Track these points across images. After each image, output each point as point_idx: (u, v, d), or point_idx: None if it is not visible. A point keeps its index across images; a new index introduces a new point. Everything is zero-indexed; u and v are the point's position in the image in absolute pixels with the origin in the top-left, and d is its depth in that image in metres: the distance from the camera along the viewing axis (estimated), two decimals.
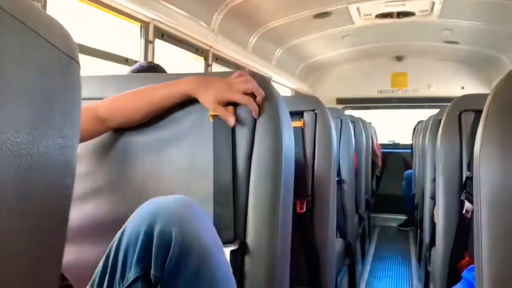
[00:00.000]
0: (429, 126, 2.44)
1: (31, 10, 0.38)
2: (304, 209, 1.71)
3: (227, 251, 0.97)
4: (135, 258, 0.69)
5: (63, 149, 0.39)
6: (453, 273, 1.54)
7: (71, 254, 1.07)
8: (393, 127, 6.56)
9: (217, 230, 1.00)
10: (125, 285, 0.70)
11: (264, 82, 1.08)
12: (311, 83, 6.05)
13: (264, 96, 1.06)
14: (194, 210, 0.75)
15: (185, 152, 1.08)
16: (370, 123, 5.13)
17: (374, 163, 4.62)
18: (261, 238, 1.00)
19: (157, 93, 1.04)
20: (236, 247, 0.98)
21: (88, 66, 2.07)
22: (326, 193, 1.75)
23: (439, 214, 1.64)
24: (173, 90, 1.04)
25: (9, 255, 0.32)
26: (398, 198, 5.07)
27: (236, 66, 3.51)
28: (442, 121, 1.71)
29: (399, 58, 5.73)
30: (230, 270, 0.80)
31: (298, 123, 1.81)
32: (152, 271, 0.68)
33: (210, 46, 2.98)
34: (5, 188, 0.32)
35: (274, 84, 4.59)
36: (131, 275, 0.69)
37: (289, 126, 1.13)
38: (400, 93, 5.78)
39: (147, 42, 2.25)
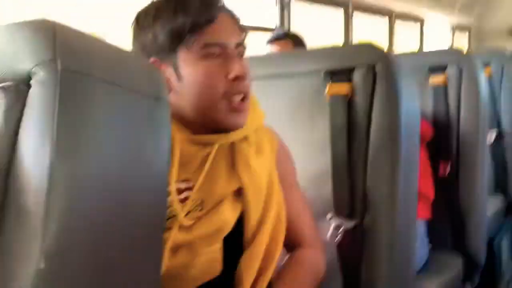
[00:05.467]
0: None
1: (120, 67, 0.47)
2: (448, 172, 1.62)
3: (345, 226, 1.01)
4: None
5: (153, 178, 0.49)
6: None
7: None
8: None
9: (335, 203, 1.05)
10: None
11: (364, 46, 1.06)
12: (478, 13, 5.32)
13: (378, 60, 1.03)
14: None
15: (302, 126, 1.12)
16: None
17: None
18: (380, 216, 1.01)
19: None
20: (353, 225, 1.01)
21: None
22: (473, 154, 1.62)
23: None
24: None
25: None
26: None
27: (381, 12, 3.30)
28: None
29: None
30: None
31: (439, 80, 1.66)
32: None
33: None
34: (107, 212, 0.42)
35: (428, 26, 4.16)
36: None
37: (411, 92, 1.08)
38: None
39: (283, 5, 2.28)
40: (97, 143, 0.41)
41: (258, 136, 0.86)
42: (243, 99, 0.78)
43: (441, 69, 1.67)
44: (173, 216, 0.74)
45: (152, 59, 0.76)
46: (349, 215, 1.02)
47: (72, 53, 0.40)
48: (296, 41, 1.75)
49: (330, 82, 1.06)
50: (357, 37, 3.22)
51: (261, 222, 0.81)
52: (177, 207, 0.74)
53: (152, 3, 0.78)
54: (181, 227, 0.75)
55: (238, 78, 0.76)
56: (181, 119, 0.78)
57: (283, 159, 0.92)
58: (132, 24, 0.80)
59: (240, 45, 0.79)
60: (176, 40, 0.74)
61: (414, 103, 1.11)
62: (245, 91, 0.78)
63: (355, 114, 1.05)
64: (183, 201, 0.76)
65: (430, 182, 1.58)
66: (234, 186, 0.80)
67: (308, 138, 1.11)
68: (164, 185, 0.51)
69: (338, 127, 1.05)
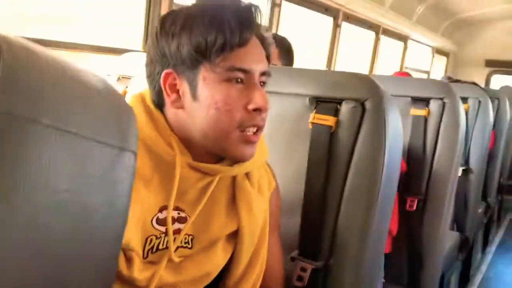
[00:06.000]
0: None
1: (79, 109, 0.37)
2: (415, 208, 1.59)
3: (308, 268, 0.95)
4: None
5: (103, 241, 0.40)
6: None
7: None
8: None
9: (301, 241, 0.98)
10: None
11: (356, 78, 1.00)
12: (458, 40, 5.40)
13: (369, 96, 0.97)
14: None
15: (279, 151, 1.05)
16: None
17: None
18: (348, 258, 0.96)
19: None
20: (319, 266, 0.94)
21: None
22: (442, 193, 1.59)
23: None
24: None
25: None
26: None
27: (369, 25, 3.27)
28: None
29: None
30: None
31: (422, 112, 1.63)
32: None
33: (341, 5, 2.79)
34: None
35: (411, 44, 4.22)
36: None
37: (397, 131, 1.03)
38: None
39: (274, 5, 2.19)
40: (30, 203, 0.32)
41: (260, 173, 0.80)
42: (256, 131, 0.71)
43: (424, 101, 1.63)
44: (163, 249, 0.67)
45: (168, 71, 0.68)
46: (315, 256, 0.96)
47: (17, 88, 0.31)
48: (283, 49, 1.66)
49: (315, 111, 0.99)
50: (343, 45, 3.18)
51: (248, 268, 0.76)
52: (170, 239, 0.67)
53: (182, 9, 0.69)
54: (169, 263, 0.68)
55: (257, 110, 0.69)
56: (186, 140, 0.70)
57: (275, 200, 0.86)
58: (156, 28, 0.70)
59: (265, 74, 0.71)
60: (202, 55, 0.66)
61: (399, 142, 1.06)
62: (261, 125, 0.71)
63: (337, 148, 0.98)
64: (174, 233, 0.69)
65: (395, 216, 1.55)
66: (231, 228, 0.73)
67: (284, 165, 1.03)
68: (115, 252, 0.42)
69: (317, 159, 0.99)
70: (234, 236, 0.75)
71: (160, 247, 0.67)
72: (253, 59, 0.69)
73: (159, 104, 0.71)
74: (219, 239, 0.72)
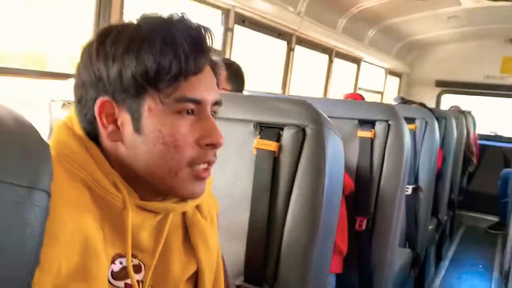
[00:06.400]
0: None
1: None
2: (364, 227, 1.63)
3: None
4: None
5: (15, 273, 0.40)
6: None
7: None
8: (499, 117, 5.90)
9: (246, 267, 0.99)
10: None
11: (297, 104, 1.02)
12: (409, 62, 5.64)
13: (309, 122, 1.00)
14: None
15: (225, 181, 1.06)
16: (469, 112, 4.68)
17: (468, 159, 4.23)
18: (291, 283, 0.97)
19: None
20: None
21: None
22: (389, 212, 1.64)
23: None
24: None
25: None
26: (492, 197, 4.64)
27: (322, 48, 3.37)
28: None
29: None
30: None
31: (368, 134, 1.68)
32: None
33: (295, 30, 2.87)
34: None
35: (365, 65, 4.36)
36: None
37: (338, 155, 1.06)
38: (511, 80, 5.17)
39: (227, 29, 2.23)
40: None
41: (208, 202, 0.74)
42: (207, 167, 0.63)
43: (370, 123, 1.69)
44: None
45: (105, 98, 0.58)
46: (260, 282, 0.96)
47: None
48: (232, 72, 1.68)
49: (259, 137, 1.01)
50: (298, 68, 3.25)
51: None
52: None
53: (124, 29, 0.59)
54: None
55: (211, 145, 0.62)
56: (128, 177, 0.61)
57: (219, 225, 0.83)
58: (89, 46, 0.60)
59: (217, 104, 0.64)
60: (149, 83, 0.57)
61: (339, 166, 1.09)
62: (214, 160, 0.64)
63: (280, 173, 1.00)
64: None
65: (345, 236, 1.58)
66: (191, 269, 0.68)
67: (230, 191, 1.04)
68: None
69: (261, 185, 1.00)
70: (193, 276, 0.70)
71: None
72: (206, 88, 0.61)
73: (91, 134, 0.61)
74: (179, 284, 0.67)
